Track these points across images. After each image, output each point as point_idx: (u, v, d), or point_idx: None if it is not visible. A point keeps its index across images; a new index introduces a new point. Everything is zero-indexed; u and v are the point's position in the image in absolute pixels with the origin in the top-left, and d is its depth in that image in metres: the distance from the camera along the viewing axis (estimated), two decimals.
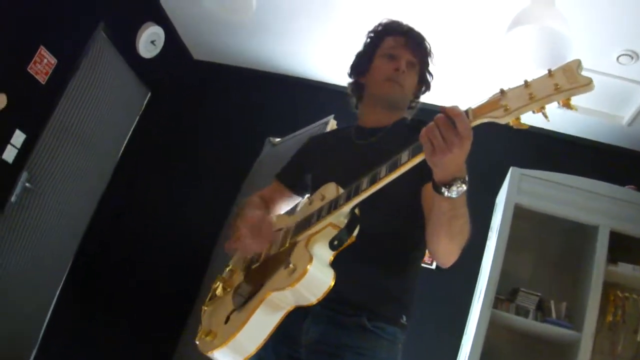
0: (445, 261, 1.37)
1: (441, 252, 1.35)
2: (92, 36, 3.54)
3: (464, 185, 1.17)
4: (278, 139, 4.07)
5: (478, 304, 3.14)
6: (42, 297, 3.79)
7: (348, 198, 1.27)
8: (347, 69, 1.85)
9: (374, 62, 1.73)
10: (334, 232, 1.29)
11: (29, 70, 3.14)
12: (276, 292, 1.28)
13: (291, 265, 1.25)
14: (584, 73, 1.01)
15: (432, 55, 1.75)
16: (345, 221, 1.28)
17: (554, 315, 3.16)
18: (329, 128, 3.44)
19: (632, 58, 3.02)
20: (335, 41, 3.76)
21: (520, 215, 3.24)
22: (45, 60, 3.23)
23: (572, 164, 3.47)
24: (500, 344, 3.23)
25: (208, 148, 4.38)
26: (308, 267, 1.21)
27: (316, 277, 1.23)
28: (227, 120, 4.43)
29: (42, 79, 3.23)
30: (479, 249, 3.45)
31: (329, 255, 1.29)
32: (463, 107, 1.12)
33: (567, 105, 1.00)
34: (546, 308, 3.20)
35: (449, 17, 3.14)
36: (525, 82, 1.04)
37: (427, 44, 1.74)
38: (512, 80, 3.34)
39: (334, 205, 1.31)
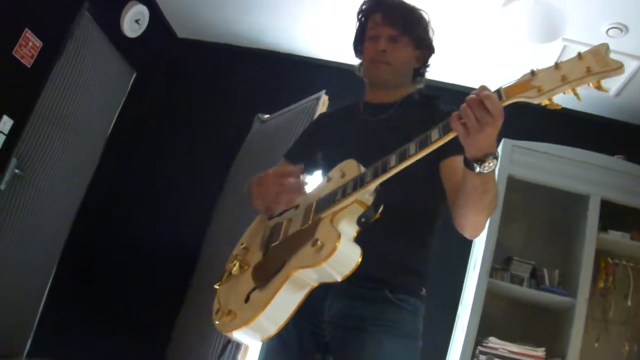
0: (474, 233, 1.41)
1: (471, 225, 1.38)
2: (77, 17, 3.46)
3: (495, 161, 1.19)
4: (267, 116, 4.06)
5: (474, 273, 3.20)
6: (35, 285, 3.76)
7: (375, 175, 1.28)
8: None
9: (364, 45, 1.75)
10: (359, 209, 1.29)
11: (14, 54, 3.06)
12: (302, 270, 1.27)
13: (319, 242, 1.25)
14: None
15: (420, 17, 1.72)
16: (372, 199, 1.29)
17: (547, 282, 3.23)
18: (320, 104, 3.43)
19: (621, 31, 3.05)
20: (325, 16, 3.72)
21: (512, 186, 3.29)
22: (31, 43, 3.16)
23: (562, 134, 3.51)
24: (496, 312, 3.29)
25: (196, 126, 4.34)
26: (337, 244, 1.21)
27: (345, 254, 1.23)
28: (215, 98, 4.39)
29: (27, 62, 3.16)
30: None
31: (353, 232, 1.29)
32: (491, 86, 1.15)
33: (598, 87, 1.05)
34: (539, 276, 3.27)
35: None
36: (556, 64, 1.08)
37: (408, 10, 1.71)
38: (509, 54, 3.37)
39: (360, 182, 1.31)
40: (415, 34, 1.70)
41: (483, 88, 1.14)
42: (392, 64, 1.66)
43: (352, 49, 1.84)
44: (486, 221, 1.38)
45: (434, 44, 1.76)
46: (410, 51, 1.70)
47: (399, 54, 1.67)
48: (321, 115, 2.04)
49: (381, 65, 1.66)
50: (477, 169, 1.20)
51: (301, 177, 1.84)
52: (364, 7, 1.76)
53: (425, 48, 1.74)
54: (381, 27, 1.67)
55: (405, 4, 1.72)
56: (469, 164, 1.22)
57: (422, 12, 1.73)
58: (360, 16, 1.78)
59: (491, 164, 1.19)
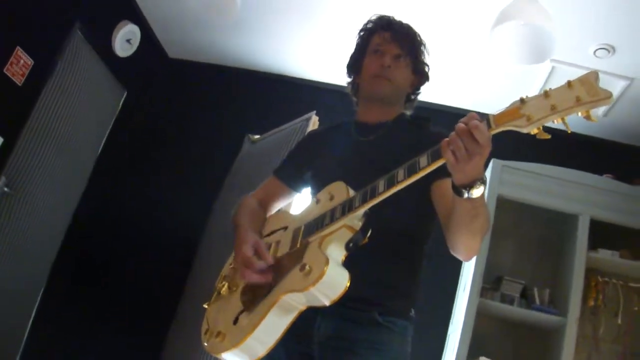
0: (468, 256, 1.42)
1: (464, 248, 1.39)
2: (69, 36, 3.47)
3: (483, 186, 1.20)
4: (257, 136, 4.06)
5: (464, 293, 3.20)
6: (25, 303, 3.72)
7: (364, 200, 1.28)
8: (345, 69, 1.85)
9: (364, 61, 1.75)
10: (348, 234, 1.29)
11: (5, 72, 3.06)
12: (290, 294, 1.28)
13: (307, 267, 1.25)
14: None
15: (423, 44, 1.76)
16: (360, 224, 1.29)
17: (537, 301, 3.23)
18: (311, 124, 3.44)
19: (608, 52, 3.10)
20: (316, 38, 3.75)
21: (502, 206, 3.30)
22: (22, 61, 3.16)
23: (551, 154, 3.52)
24: (487, 332, 3.29)
25: (187, 146, 4.34)
26: (325, 269, 1.22)
27: (333, 279, 1.24)
28: (205, 118, 4.40)
29: (18, 80, 3.16)
30: None
31: (341, 256, 1.30)
32: (481, 107, 1.15)
33: (588, 117, 1.04)
34: (530, 295, 3.27)
35: (435, 14, 3.16)
36: (545, 92, 1.07)
37: (414, 34, 1.74)
38: (498, 75, 3.39)
39: (348, 207, 1.31)
40: (417, 58, 1.74)
41: (472, 117, 1.14)
42: (393, 82, 1.68)
43: (345, 67, 1.85)
44: (480, 243, 1.37)
45: (429, 73, 1.79)
46: (409, 73, 1.73)
47: (401, 73, 1.70)
48: (311, 132, 2.04)
49: (383, 80, 1.67)
50: (466, 195, 1.21)
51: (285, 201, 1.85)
52: (369, 25, 1.78)
53: (421, 74, 1.78)
54: (388, 44, 1.69)
55: (412, 28, 1.75)
56: (457, 190, 1.22)
57: (424, 40, 1.77)
58: (363, 33, 1.79)
59: (479, 189, 1.20)
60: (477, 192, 1.20)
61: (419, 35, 1.76)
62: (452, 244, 1.41)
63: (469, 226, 1.30)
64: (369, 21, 1.80)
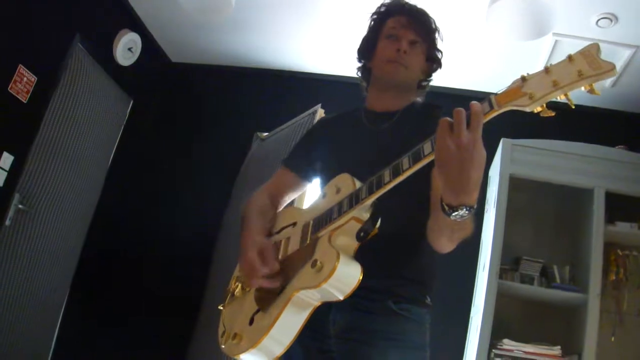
0: (442, 251, 1.37)
1: (439, 247, 1.36)
2: (70, 49, 3.49)
3: (469, 214, 1.15)
4: (266, 134, 4.06)
5: (483, 275, 3.18)
6: (45, 318, 3.75)
7: (370, 191, 1.26)
8: (355, 54, 1.81)
9: (377, 45, 1.70)
10: (357, 226, 1.28)
11: (10, 91, 3.08)
12: (304, 291, 1.27)
13: (318, 263, 1.24)
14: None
15: (438, 31, 1.71)
16: (368, 215, 1.28)
17: (557, 279, 3.21)
18: (317, 118, 3.44)
19: (611, 21, 3.05)
20: (316, 30, 3.73)
21: (515, 185, 3.27)
22: (25, 79, 3.18)
23: (561, 129, 3.48)
24: (509, 313, 3.27)
25: (197, 149, 4.36)
26: (336, 264, 1.21)
27: (345, 273, 1.23)
28: (212, 120, 4.41)
29: (23, 98, 3.18)
30: (478, 221, 3.47)
31: (352, 249, 1.29)
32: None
33: (591, 91, 1.00)
34: (550, 273, 3.25)
35: None
36: (546, 68, 1.04)
37: (430, 20, 1.70)
38: (501, 53, 3.33)
39: (355, 199, 1.29)
40: (432, 45, 1.70)
41: (458, 113, 1.11)
42: (408, 68, 1.64)
43: (356, 52, 1.80)
44: (456, 245, 1.33)
45: (442, 59, 1.75)
46: (423, 60, 1.69)
47: (416, 59, 1.66)
48: (322, 120, 1.98)
49: (399, 66, 1.62)
50: (449, 215, 1.16)
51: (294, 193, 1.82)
52: (383, 9, 1.74)
53: (434, 61, 1.73)
54: (405, 29, 1.65)
55: (427, 13, 1.71)
56: (442, 207, 1.17)
57: (438, 26, 1.73)
58: (376, 16, 1.75)
59: (464, 214, 1.14)
60: (460, 216, 1.15)
61: (434, 21, 1.71)
62: (429, 238, 1.38)
63: (449, 236, 1.27)
64: (383, 4, 1.75)
